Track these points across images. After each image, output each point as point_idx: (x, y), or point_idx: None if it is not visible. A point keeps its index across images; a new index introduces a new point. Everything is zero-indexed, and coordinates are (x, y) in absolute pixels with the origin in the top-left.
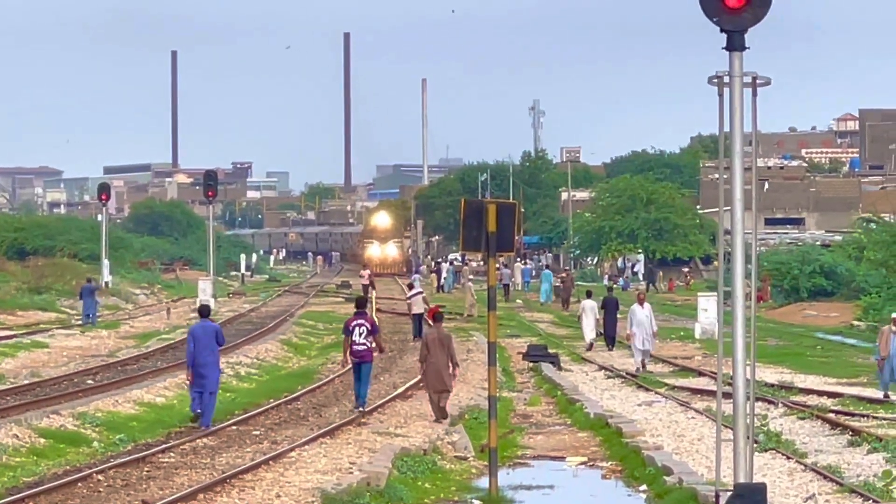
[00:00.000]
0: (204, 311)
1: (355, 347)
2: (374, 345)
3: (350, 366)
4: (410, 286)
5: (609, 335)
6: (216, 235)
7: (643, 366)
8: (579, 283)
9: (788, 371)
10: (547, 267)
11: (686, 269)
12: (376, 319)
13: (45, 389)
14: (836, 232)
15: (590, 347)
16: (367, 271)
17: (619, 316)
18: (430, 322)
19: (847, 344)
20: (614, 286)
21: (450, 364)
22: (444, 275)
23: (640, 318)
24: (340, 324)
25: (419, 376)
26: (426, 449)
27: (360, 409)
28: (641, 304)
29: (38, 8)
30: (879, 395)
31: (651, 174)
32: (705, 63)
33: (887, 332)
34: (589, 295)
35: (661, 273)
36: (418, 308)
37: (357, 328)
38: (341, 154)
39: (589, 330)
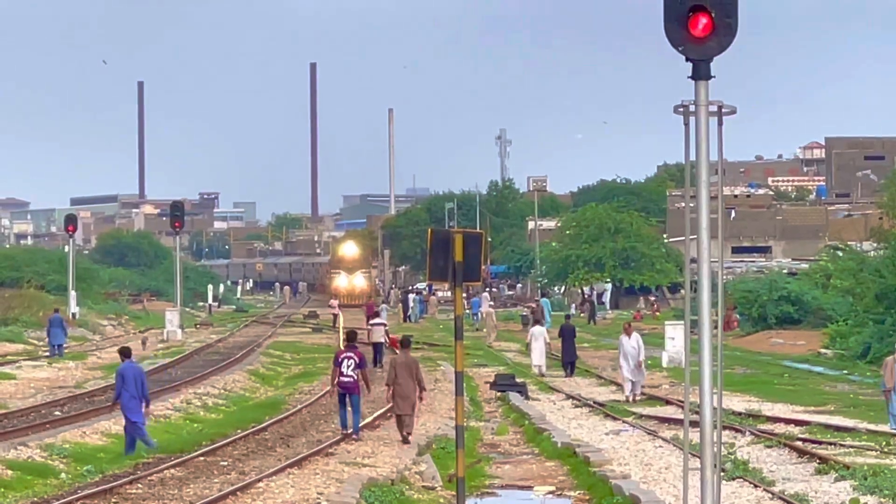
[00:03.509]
0: (125, 353)
1: (343, 379)
2: (361, 379)
3: (335, 393)
4: (376, 314)
5: (567, 362)
6: (183, 266)
7: (633, 396)
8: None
9: (756, 399)
10: (544, 295)
11: (653, 298)
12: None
13: (13, 421)
14: (803, 260)
15: (541, 374)
16: (336, 301)
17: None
18: (397, 349)
19: (814, 372)
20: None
21: (416, 389)
22: (411, 305)
23: (627, 349)
24: (308, 354)
25: (386, 400)
26: (394, 479)
27: (355, 437)
28: (629, 334)
29: (3, 38)
30: (870, 426)
31: (616, 202)
32: (671, 92)
33: (891, 362)
34: (538, 322)
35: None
36: (377, 337)
37: (346, 360)
38: (308, 184)
39: (538, 356)
